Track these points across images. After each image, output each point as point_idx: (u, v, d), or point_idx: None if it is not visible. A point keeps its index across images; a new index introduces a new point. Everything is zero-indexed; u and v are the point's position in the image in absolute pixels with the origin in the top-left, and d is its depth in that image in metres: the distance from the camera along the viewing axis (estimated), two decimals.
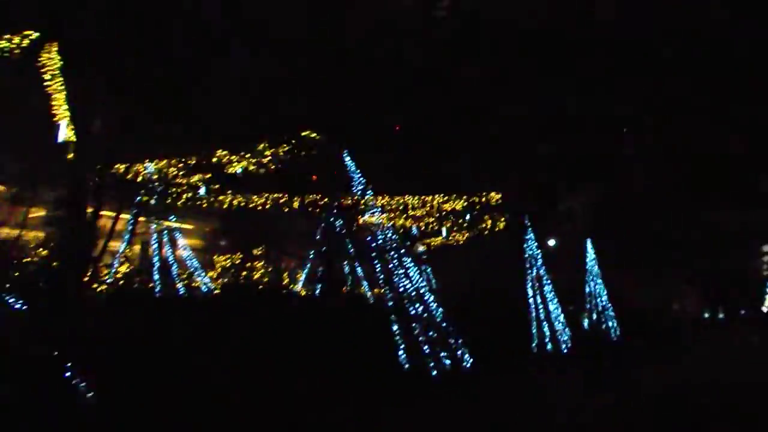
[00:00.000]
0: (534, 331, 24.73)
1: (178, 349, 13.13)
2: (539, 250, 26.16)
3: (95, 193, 16.55)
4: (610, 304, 31.04)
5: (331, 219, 22.68)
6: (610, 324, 31.02)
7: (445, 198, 26.00)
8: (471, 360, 18.00)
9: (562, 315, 25.84)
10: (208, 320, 16.08)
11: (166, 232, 24.17)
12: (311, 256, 25.40)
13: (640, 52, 23.90)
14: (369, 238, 19.97)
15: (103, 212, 20.89)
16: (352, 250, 23.36)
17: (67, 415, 9.26)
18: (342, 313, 18.89)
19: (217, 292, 23.71)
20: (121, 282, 22.26)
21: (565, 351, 25.25)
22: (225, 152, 21.10)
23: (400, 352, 16.87)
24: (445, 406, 14.30)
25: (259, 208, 24.34)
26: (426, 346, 17.14)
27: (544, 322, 25.17)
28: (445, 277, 28.61)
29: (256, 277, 26.98)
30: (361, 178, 20.01)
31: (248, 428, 11.66)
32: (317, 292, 23.18)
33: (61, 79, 14.90)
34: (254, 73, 20.56)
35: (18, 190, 16.55)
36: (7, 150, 16.56)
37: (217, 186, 22.98)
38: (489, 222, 27.21)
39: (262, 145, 20.64)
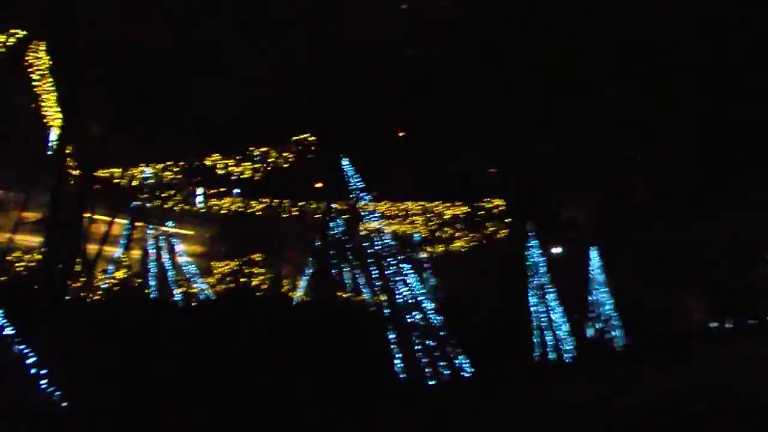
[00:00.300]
0: (537, 339, 24.29)
1: (164, 356, 12.82)
2: (542, 258, 25.76)
3: (83, 196, 16.16)
4: (615, 313, 30.58)
5: (329, 225, 22.30)
6: (616, 333, 30.56)
7: (447, 205, 25.68)
8: (471, 369, 17.58)
9: (566, 323, 25.41)
10: (198, 327, 15.81)
11: (163, 237, 23.92)
12: (310, 262, 25.05)
13: (643, 51, 23.59)
14: (367, 244, 19.63)
15: (98, 216, 20.68)
16: (351, 256, 23.00)
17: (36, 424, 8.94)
18: (338, 320, 18.51)
19: (211, 299, 23.37)
20: (116, 288, 21.94)
21: (569, 360, 24.80)
22: (221, 156, 20.85)
23: (396, 361, 16.46)
24: (443, 417, 13.89)
25: (258, 213, 24.05)
26: (423, 355, 16.72)
27: (548, 331, 24.74)
28: (446, 285, 28.19)
29: (254, 283, 26.63)
30: (360, 183, 19.70)
31: None
32: (314, 298, 22.84)
33: (51, 79, 14.64)
34: (251, 74, 20.35)
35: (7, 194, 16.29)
36: None
37: (214, 191, 22.74)
38: (491, 229, 26.81)
39: (258, 150, 20.35)
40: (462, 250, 27.98)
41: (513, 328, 23.14)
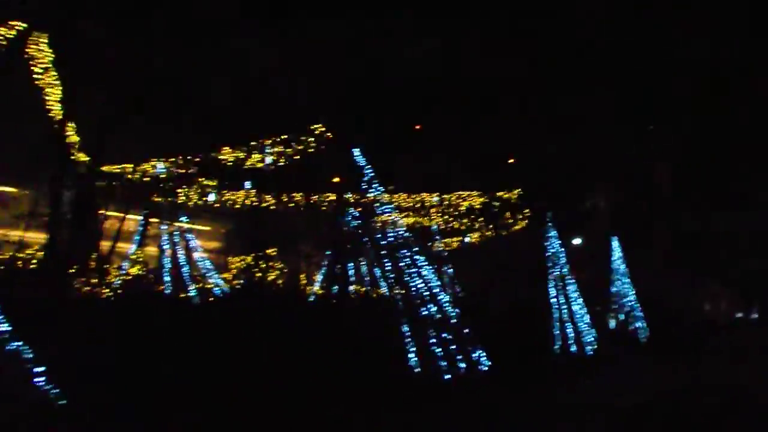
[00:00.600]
0: (557, 332, 23.77)
1: (171, 353, 12.61)
2: (562, 249, 25.21)
3: (91, 190, 15.98)
4: (638, 305, 29.95)
5: (345, 218, 21.99)
6: (639, 325, 29.93)
7: (464, 195, 25.27)
8: (488, 363, 17.14)
9: (588, 315, 24.84)
10: (209, 324, 15.64)
11: (178, 233, 23.75)
12: (328, 256, 24.77)
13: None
14: (382, 237, 19.25)
15: (110, 213, 20.56)
16: (366, 249, 22.70)
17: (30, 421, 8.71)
18: (353, 314, 18.24)
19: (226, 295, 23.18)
20: (129, 284, 21.78)
21: (591, 353, 24.25)
22: (234, 150, 20.64)
23: (411, 355, 16.08)
24: (458, 411, 13.50)
25: (272, 207, 23.81)
26: (439, 349, 16.30)
27: (568, 323, 24.20)
28: (464, 277, 27.75)
29: (270, 278, 26.35)
30: (374, 176, 19.32)
31: None
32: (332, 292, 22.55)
33: (54, 73, 14.40)
34: (263, 66, 20.12)
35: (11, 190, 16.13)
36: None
37: (227, 184, 22.54)
38: (509, 220, 26.36)
39: (271, 141, 20.09)
40: (479, 241, 27.57)
41: (532, 321, 22.67)
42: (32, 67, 13.90)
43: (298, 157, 20.91)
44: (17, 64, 13.65)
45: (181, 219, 23.70)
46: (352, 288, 23.66)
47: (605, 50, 23.97)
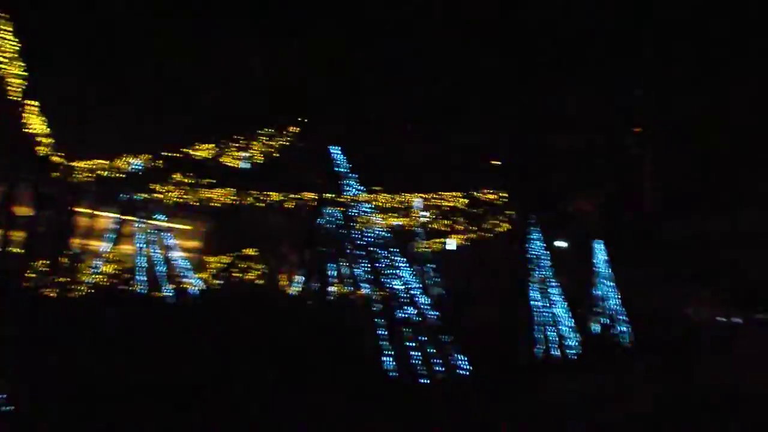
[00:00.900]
0: (539, 335, 23.43)
1: (139, 353, 12.19)
2: (546, 251, 24.89)
3: (64, 187, 15.49)
4: (622, 308, 29.70)
5: (322, 217, 21.55)
6: (622, 329, 29.67)
7: (446, 195, 24.94)
8: (467, 367, 16.76)
9: (570, 319, 24.53)
10: (185, 323, 15.27)
11: (153, 231, 23.27)
12: (305, 255, 24.33)
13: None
14: (361, 237, 18.83)
15: (83, 210, 20.06)
16: (345, 249, 22.26)
17: None
18: (329, 316, 17.85)
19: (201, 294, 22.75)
20: (102, 283, 21.30)
21: (574, 357, 23.95)
22: (210, 146, 20.19)
23: (387, 358, 15.67)
24: (435, 416, 13.12)
25: (250, 206, 23.37)
26: (417, 352, 15.90)
27: (550, 326, 23.86)
28: (445, 279, 27.41)
29: (248, 278, 25.94)
30: (352, 174, 18.92)
31: None
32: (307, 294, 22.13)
33: (22, 64, 13.88)
34: (241, 63, 19.72)
35: None
36: None
37: (204, 181, 22.07)
38: (492, 222, 26.04)
39: (246, 138, 19.66)
40: (461, 242, 27.24)
41: (513, 324, 22.33)
42: None
43: (276, 155, 20.50)
44: None
45: (156, 217, 23.25)
46: (332, 289, 23.25)
47: (591, 46, 23.69)
